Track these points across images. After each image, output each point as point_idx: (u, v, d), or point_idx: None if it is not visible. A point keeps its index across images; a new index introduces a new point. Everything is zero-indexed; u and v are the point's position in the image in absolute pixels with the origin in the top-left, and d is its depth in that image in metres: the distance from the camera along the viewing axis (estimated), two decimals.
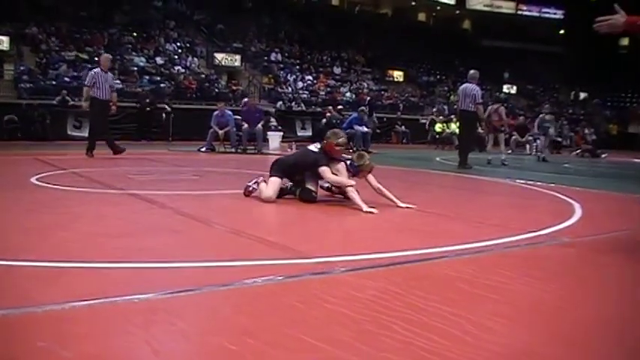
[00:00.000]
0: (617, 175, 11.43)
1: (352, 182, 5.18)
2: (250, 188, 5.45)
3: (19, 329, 2.01)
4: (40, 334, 1.94)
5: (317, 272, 2.83)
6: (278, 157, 5.70)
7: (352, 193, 5.05)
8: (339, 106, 19.45)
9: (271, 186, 5.27)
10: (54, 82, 20.42)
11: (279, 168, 5.43)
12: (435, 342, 1.96)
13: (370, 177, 5.34)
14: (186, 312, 2.23)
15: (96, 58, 23.05)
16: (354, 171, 5.28)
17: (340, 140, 5.37)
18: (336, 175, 5.24)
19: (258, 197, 5.36)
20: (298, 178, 5.43)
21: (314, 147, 5.46)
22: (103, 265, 2.87)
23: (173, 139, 17.81)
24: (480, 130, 15.36)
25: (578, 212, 5.24)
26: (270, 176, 5.36)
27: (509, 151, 15.00)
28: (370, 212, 4.76)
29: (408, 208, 5.06)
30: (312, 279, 2.73)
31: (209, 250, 3.35)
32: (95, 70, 10.83)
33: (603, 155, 19.05)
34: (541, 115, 16.87)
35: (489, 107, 13.68)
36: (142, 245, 3.36)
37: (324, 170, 5.18)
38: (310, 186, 5.32)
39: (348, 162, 5.35)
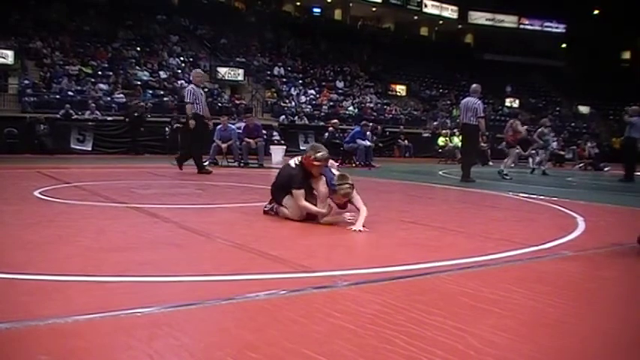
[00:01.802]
0: (620, 188, 11.41)
1: (324, 211, 4.81)
2: (267, 209, 5.30)
3: (20, 343, 2.01)
4: (42, 348, 1.94)
5: (320, 286, 2.82)
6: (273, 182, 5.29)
7: (328, 218, 4.79)
8: (334, 120, 19.27)
9: (296, 206, 4.92)
10: (57, 96, 20.56)
11: (278, 190, 5.12)
12: (439, 356, 1.95)
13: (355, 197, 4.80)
14: (189, 326, 2.22)
15: (99, 73, 23.32)
16: (332, 190, 4.79)
17: (319, 155, 4.81)
18: (312, 196, 4.89)
19: (261, 212, 5.36)
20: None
21: (293, 162, 5.02)
22: (105, 278, 2.87)
23: (173, 153, 17.82)
24: (482, 143, 15.39)
25: (581, 226, 5.23)
26: (281, 198, 5.04)
27: (512, 165, 15.04)
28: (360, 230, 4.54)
29: (360, 231, 4.51)
30: (315, 293, 2.72)
31: (212, 264, 3.34)
32: (191, 85, 10.76)
33: (606, 168, 19.04)
34: (540, 129, 16.92)
35: (509, 122, 13.87)
36: (144, 259, 3.35)
37: (297, 195, 4.83)
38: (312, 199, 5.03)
39: (330, 178, 4.84)
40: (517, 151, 19.51)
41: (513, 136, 13.41)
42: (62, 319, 2.20)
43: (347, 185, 4.70)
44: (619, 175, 13.54)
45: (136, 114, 18.36)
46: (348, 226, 4.60)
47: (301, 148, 20.39)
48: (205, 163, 13.48)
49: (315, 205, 4.90)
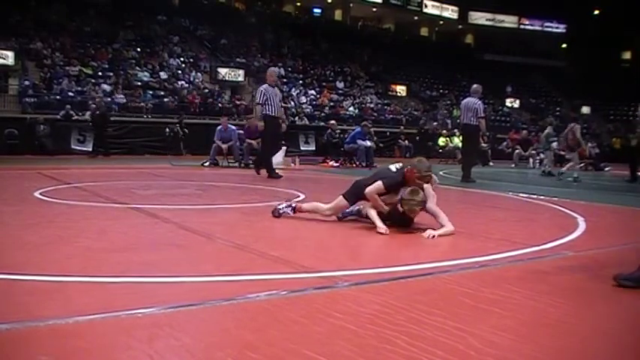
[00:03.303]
0: (621, 188, 11.40)
1: (384, 208, 4.61)
2: (281, 211, 5.09)
3: (21, 343, 2.01)
4: (42, 349, 1.94)
5: (320, 287, 2.82)
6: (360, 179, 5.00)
7: (373, 212, 4.61)
8: (332, 121, 19.02)
9: (335, 204, 4.84)
10: (58, 97, 20.54)
11: (355, 189, 4.86)
12: (439, 356, 1.95)
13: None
14: (189, 326, 2.22)
15: (100, 73, 23.32)
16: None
17: (426, 174, 4.65)
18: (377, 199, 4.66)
19: (262, 212, 5.35)
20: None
21: (394, 166, 4.83)
22: (106, 279, 2.87)
23: (174, 154, 17.79)
24: (483, 144, 15.39)
25: (582, 226, 5.23)
26: (341, 194, 4.89)
27: (549, 168, 15.26)
28: (380, 233, 4.42)
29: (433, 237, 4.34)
30: (316, 293, 2.72)
31: (212, 265, 3.34)
32: (264, 85, 10.15)
33: (607, 169, 19.03)
34: (548, 130, 16.92)
35: (569, 126, 13.91)
36: (144, 259, 3.36)
37: (376, 184, 4.65)
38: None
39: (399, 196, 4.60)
40: (517, 151, 19.57)
41: (573, 140, 13.50)
42: (62, 319, 2.20)
43: (414, 202, 4.50)
44: (620, 176, 13.52)
45: (98, 112, 17.64)
46: (423, 233, 4.37)
47: (302, 148, 20.37)
48: (206, 164, 13.55)
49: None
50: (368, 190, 4.65)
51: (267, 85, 10.09)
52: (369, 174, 5.17)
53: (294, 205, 5.09)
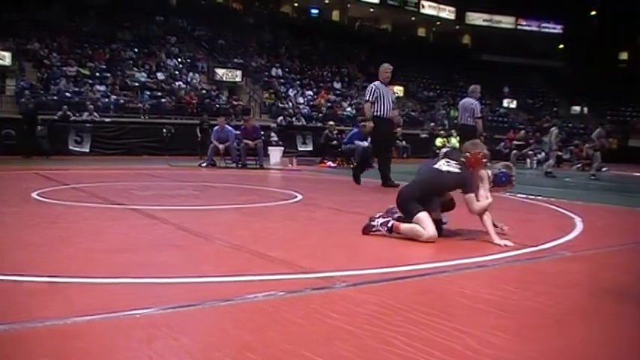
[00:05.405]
0: (618, 188, 11.43)
1: (489, 202, 4.40)
2: (374, 228, 4.41)
3: (20, 344, 2.01)
4: (42, 350, 1.95)
5: (318, 287, 2.82)
6: (402, 190, 4.57)
7: (488, 221, 4.31)
8: (330, 122, 18.98)
9: (429, 223, 4.22)
10: (55, 97, 20.50)
11: (412, 200, 4.36)
12: (436, 357, 1.96)
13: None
14: (187, 327, 2.23)
15: (97, 74, 23.28)
16: (505, 182, 4.60)
17: (486, 151, 4.59)
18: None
19: (260, 213, 5.35)
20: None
21: (446, 165, 4.49)
22: (104, 280, 2.87)
23: (171, 154, 17.72)
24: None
25: (579, 226, 5.24)
26: (417, 212, 4.24)
27: (550, 168, 15.45)
28: (505, 245, 4.04)
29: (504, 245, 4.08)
30: (314, 294, 2.73)
31: (210, 266, 3.35)
32: (375, 82, 8.93)
33: (604, 169, 19.06)
34: (555, 131, 16.96)
35: (597, 130, 15.67)
36: (143, 260, 3.36)
37: (471, 198, 4.37)
38: (436, 215, 4.44)
39: (497, 172, 4.59)
40: (514, 151, 19.59)
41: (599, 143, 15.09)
42: (62, 320, 2.20)
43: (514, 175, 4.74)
44: (616, 176, 13.55)
45: (26, 110, 16.84)
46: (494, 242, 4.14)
47: (299, 149, 20.38)
48: (203, 164, 13.54)
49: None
50: (478, 207, 4.40)
51: (378, 82, 8.90)
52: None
53: (390, 224, 4.34)
